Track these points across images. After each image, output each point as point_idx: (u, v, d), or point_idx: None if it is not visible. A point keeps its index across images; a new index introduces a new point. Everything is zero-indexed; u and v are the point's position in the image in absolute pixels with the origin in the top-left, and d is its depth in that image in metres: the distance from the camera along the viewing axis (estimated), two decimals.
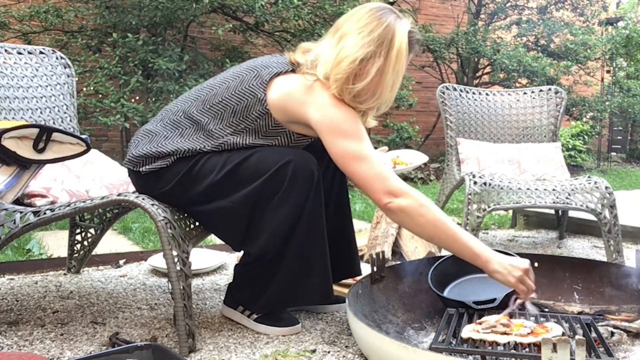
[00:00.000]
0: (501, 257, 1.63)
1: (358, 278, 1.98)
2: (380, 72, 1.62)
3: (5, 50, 2.18)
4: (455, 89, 3.21)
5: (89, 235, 2.32)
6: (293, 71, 1.68)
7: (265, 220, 1.66)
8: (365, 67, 1.62)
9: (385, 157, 1.93)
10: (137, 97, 5.02)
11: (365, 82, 1.62)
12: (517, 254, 1.89)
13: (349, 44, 1.61)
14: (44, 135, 1.70)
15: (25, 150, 1.68)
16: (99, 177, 2.07)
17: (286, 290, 1.73)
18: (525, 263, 1.63)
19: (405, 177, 6.48)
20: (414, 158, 1.92)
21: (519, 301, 1.64)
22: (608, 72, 8.81)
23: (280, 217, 1.65)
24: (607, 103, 7.99)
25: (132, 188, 1.98)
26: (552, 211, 3.41)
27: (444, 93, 3.16)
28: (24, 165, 1.72)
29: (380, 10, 1.64)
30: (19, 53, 2.23)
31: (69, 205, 1.67)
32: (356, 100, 1.65)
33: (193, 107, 1.71)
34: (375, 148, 1.97)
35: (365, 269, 2.05)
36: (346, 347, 1.66)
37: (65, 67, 2.33)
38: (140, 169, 1.71)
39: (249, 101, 1.65)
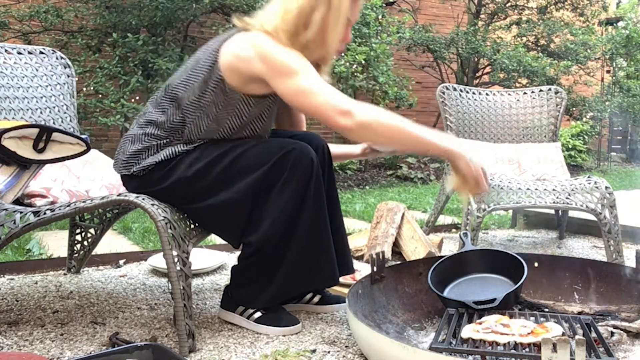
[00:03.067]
0: (460, 142, 1.67)
1: (358, 277, 1.98)
2: (324, 20, 1.68)
3: (5, 50, 2.18)
4: (455, 89, 3.21)
5: (89, 235, 2.32)
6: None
7: (267, 208, 1.68)
8: (310, 17, 1.67)
9: None
10: (137, 97, 5.02)
11: (312, 32, 1.68)
12: (517, 254, 1.89)
13: None
14: (44, 135, 1.70)
15: (25, 150, 1.68)
16: (99, 177, 2.07)
17: (292, 278, 1.74)
18: (483, 161, 1.67)
19: (406, 177, 6.48)
20: None
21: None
22: (608, 72, 8.81)
23: (282, 205, 1.68)
24: (607, 103, 7.99)
25: None
26: (552, 211, 3.41)
27: (444, 93, 3.16)
28: (24, 165, 1.72)
29: None
30: (19, 53, 2.23)
31: (69, 205, 1.67)
32: (305, 51, 1.69)
33: (159, 98, 1.78)
34: None
35: (366, 269, 2.05)
36: (346, 347, 1.66)
37: (65, 67, 2.33)
38: (133, 171, 1.73)
39: (205, 75, 1.70)
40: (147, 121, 1.77)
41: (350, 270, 1.92)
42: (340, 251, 1.86)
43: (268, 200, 1.68)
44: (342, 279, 2.01)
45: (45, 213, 1.66)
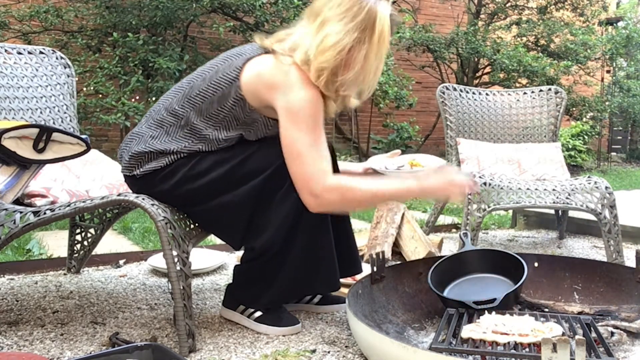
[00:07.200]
0: (424, 175, 1.66)
1: (358, 277, 1.98)
2: (365, 58, 1.61)
3: (5, 50, 2.18)
4: (455, 89, 3.21)
5: (89, 235, 2.32)
6: (267, 54, 1.66)
7: (270, 214, 1.68)
8: (352, 56, 1.61)
9: (401, 160, 1.93)
10: (137, 97, 5.02)
11: (354, 72, 1.61)
12: (517, 254, 1.89)
13: (332, 31, 1.58)
14: (44, 135, 1.70)
15: (25, 150, 1.68)
16: (99, 177, 2.07)
17: (293, 283, 1.74)
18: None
19: None
20: (430, 161, 1.93)
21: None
22: (608, 72, 8.81)
23: (284, 211, 1.67)
24: (607, 103, 7.99)
25: None
26: (552, 211, 3.41)
27: (444, 93, 3.16)
28: (24, 165, 1.72)
29: None
30: (19, 53, 2.23)
31: (69, 205, 1.67)
32: (340, 89, 1.65)
33: (174, 103, 1.72)
34: (377, 149, 1.97)
35: (365, 269, 2.06)
36: (346, 347, 1.66)
37: (65, 67, 2.33)
38: (135, 173, 1.72)
39: (224, 90, 1.65)
40: (158, 124, 1.72)
41: (358, 270, 1.94)
42: (349, 253, 1.88)
43: (271, 206, 1.67)
44: (343, 280, 2.01)
45: (45, 213, 1.66)
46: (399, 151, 2.11)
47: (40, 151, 1.70)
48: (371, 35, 1.60)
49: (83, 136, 1.82)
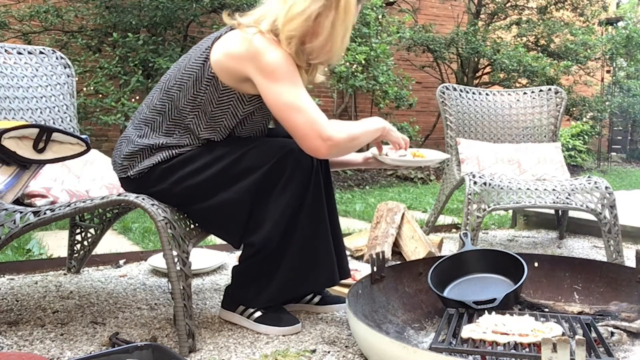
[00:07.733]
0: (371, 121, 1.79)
1: (358, 277, 1.98)
2: (332, 26, 1.64)
3: (5, 50, 2.18)
4: (455, 89, 3.21)
5: (89, 235, 2.32)
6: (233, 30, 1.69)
7: (268, 209, 1.68)
8: (319, 23, 1.64)
9: (404, 151, 1.94)
10: (137, 97, 5.02)
11: (322, 39, 1.64)
12: (517, 254, 1.89)
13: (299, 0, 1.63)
14: (44, 135, 1.70)
15: (25, 150, 1.68)
16: (99, 177, 2.07)
17: (292, 278, 1.74)
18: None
19: (406, 177, 6.48)
20: (433, 154, 1.95)
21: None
22: (608, 72, 8.82)
23: (282, 206, 1.68)
24: (607, 103, 8.00)
25: None
26: (552, 211, 3.41)
27: (444, 93, 3.16)
28: (24, 165, 1.72)
29: None
30: (19, 53, 2.23)
31: (69, 205, 1.67)
32: (309, 57, 1.68)
33: (155, 99, 1.75)
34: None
35: (366, 269, 2.06)
36: (346, 347, 1.66)
37: (65, 67, 2.33)
38: (129, 174, 1.72)
39: (197, 73, 1.67)
40: (143, 123, 1.75)
41: (346, 275, 1.91)
42: (337, 255, 1.86)
43: (269, 200, 1.69)
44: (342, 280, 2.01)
45: (45, 213, 1.66)
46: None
47: (40, 151, 1.70)
48: (337, 3, 1.63)
49: (83, 136, 1.82)
